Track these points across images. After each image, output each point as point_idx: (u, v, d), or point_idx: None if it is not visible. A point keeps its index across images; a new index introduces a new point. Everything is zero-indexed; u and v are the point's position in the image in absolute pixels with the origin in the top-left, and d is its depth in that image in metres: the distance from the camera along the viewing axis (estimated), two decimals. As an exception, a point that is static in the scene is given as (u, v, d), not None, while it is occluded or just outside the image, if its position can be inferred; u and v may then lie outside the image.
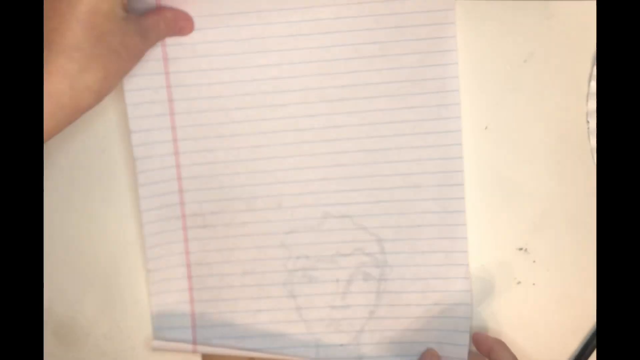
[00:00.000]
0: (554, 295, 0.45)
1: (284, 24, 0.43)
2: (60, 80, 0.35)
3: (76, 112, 0.37)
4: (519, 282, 0.45)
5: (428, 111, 0.43)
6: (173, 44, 0.43)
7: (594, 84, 0.43)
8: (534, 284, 0.45)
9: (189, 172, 0.45)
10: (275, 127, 0.44)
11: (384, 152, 0.44)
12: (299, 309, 0.45)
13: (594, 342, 0.44)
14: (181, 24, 0.42)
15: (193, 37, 0.43)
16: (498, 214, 0.44)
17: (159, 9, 0.42)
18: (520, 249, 0.45)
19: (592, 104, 0.43)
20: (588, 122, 0.44)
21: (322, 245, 0.45)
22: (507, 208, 0.44)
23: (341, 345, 0.45)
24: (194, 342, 0.45)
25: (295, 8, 0.43)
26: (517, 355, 0.42)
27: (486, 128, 0.44)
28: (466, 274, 0.44)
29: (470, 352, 0.44)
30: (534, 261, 0.44)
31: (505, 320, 0.45)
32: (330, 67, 0.43)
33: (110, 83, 0.38)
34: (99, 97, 0.37)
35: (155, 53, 0.43)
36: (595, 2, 0.43)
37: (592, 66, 0.43)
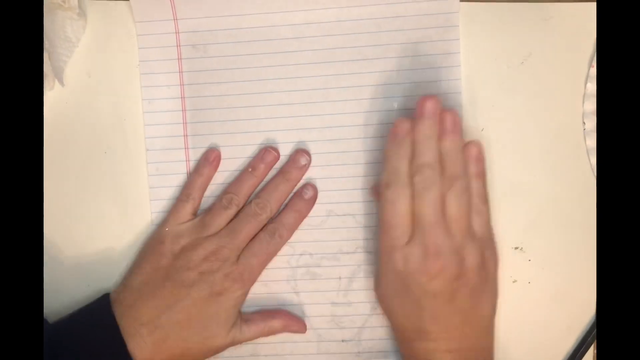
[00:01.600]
0: (550, 293, 0.45)
1: (289, 26, 0.45)
2: (161, 358, 0.42)
3: None
4: (514, 281, 0.45)
5: None
6: (187, 44, 0.45)
7: (590, 85, 0.44)
8: (529, 283, 0.45)
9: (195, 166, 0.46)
10: (280, 126, 0.46)
11: None
12: (302, 305, 0.46)
13: (590, 339, 0.45)
14: (287, 330, 0.46)
15: (205, 38, 0.45)
16: (494, 213, 0.44)
17: (268, 315, 0.45)
18: (516, 247, 0.45)
19: (589, 105, 0.44)
20: (584, 123, 0.44)
21: (325, 242, 0.46)
22: (503, 208, 0.45)
23: (342, 341, 0.46)
24: None
25: (299, 10, 0.45)
26: (514, 353, 0.43)
27: (483, 130, 0.45)
28: None
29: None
30: (530, 260, 0.45)
31: (502, 318, 0.44)
32: (334, 68, 0.45)
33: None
34: None
35: (170, 53, 0.45)
36: (593, 4, 0.44)
37: (589, 67, 0.44)
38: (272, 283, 0.46)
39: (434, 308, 0.39)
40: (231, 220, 0.44)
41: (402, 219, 0.39)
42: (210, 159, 0.45)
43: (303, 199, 0.45)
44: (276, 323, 0.45)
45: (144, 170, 0.46)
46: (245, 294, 0.44)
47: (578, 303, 0.45)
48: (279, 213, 0.45)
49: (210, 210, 0.45)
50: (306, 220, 0.46)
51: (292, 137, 0.46)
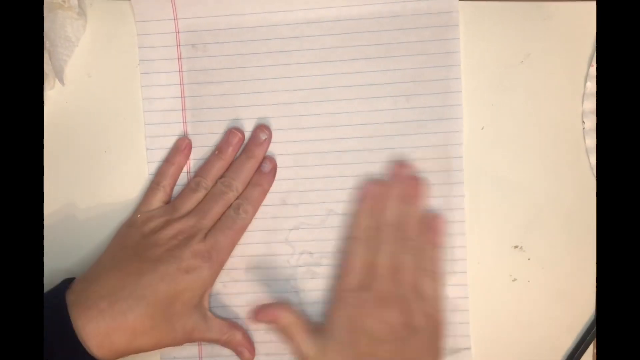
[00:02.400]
0: (549, 292, 0.45)
1: (289, 25, 0.45)
2: (120, 335, 0.40)
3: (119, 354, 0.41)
4: (514, 280, 0.45)
5: (431, 111, 0.45)
6: (187, 44, 0.45)
7: (589, 84, 0.44)
8: (529, 282, 0.45)
9: (197, 166, 0.46)
10: (280, 125, 0.46)
11: (387, 151, 0.45)
12: (302, 304, 0.46)
13: (589, 338, 0.45)
14: (241, 349, 0.45)
15: (205, 38, 0.45)
16: (494, 212, 0.45)
17: (234, 325, 0.45)
18: (516, 246, 0.45)
19: (588, 105, 0.44)
20: (583, 122, 0.44)
21: (325, 241, 0.46)
22: (502, 206, 0.45)
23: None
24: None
25: (300, 10, 0.45)
26: (514, 352, 0.43)
27: (483, 128, 0.45)
28: (463, 268, 0.45)
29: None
30: (529, 259, 0.45)
31: (501, 317, 0.45)
32: (334, 67, 0.45)
33: (157, 347, 0.42)
34: (140, 351, 0.42)
35: (170, 53, 0.46)
36: (593, 3, 0.44)
37: (588, 67, 0.44)
38: (273, 282, 0.46)
39: (379, 353, 0.41)
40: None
41: (358, 267, 0.43)
42: (181, 147, 0.46)
43: (263, 173, 0.45)
44: (238, 335, 0.45)
45: (144, 170, 0.46)
46: (214, 275, 0.43)
47: (578, 302, 0.45)
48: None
49: (179, 194, 0.45)
50: (306, 220, 0.46)
51: (292, 136, 0.46)
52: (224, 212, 0.44)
